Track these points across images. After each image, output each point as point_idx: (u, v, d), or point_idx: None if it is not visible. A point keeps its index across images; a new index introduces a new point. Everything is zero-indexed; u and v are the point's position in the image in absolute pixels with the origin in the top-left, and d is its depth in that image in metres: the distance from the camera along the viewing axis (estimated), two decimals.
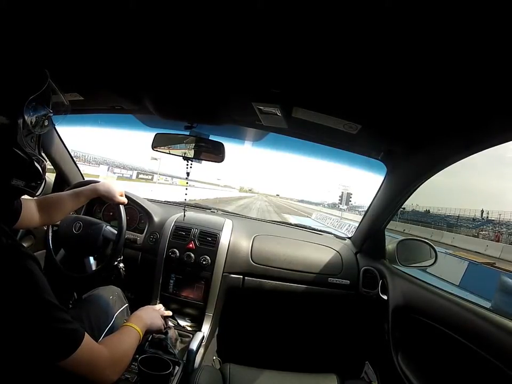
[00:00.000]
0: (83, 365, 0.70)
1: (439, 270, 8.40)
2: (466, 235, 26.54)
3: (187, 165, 1.47)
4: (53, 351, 0.66)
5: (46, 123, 0.74)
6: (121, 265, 1.51)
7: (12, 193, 0.73)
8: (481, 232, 27.89)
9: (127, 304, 1.32)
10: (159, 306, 1.35)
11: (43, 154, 0.77)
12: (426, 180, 1.29)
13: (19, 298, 0.62)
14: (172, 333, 1.29)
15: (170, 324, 1.33)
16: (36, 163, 0.70)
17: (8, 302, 0.61)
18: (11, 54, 0.68)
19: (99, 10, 0.75)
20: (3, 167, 0.65)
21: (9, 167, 0.66)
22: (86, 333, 0.72)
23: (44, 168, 0.74)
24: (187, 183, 1.57)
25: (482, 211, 33.51)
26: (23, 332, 0.63)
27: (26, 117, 0.67)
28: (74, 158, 1.89)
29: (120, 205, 1.46)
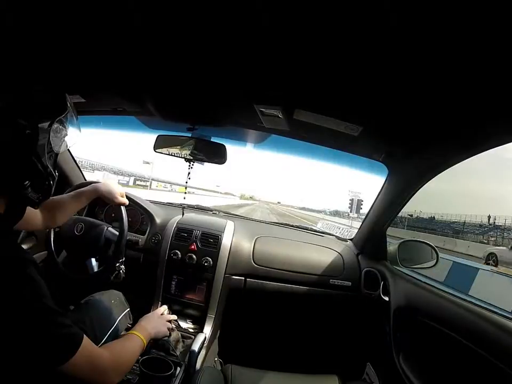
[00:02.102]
0: (83, 368, 0.71)
1: (488, 294, 6.15)
2: (480, 242, 23.87)
3: (189, 166, 1.48)
4: (51, 356, 0.66)
5: (65, 144, 0.80)
6: (122, 267, 1.51)
7: (24, 203, 0.79)
8: (491, 239, 26.22)
9: (128, 309, 1.32)
10: (164, 309, 1.35)
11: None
12: (428, 181, 1.29)
13: (17, 304, 0.63)
14: (175, 334, 1.29)
15: (172, 325, 1.33)
16: (51, 180, 0.75)
17: (7, 307, 0.61)
18: (37, 76, 0.73)
19: (101, 12, 0.76)
20: (25, 179, 0.69)
21: (30, 180, 0.70)
22: (85, 336, 0.73)
23: (54, 185, 0.78)
24: (186, 182, 1.57)
25: (489, 217, 31.71)
26: (21, 337, 0.63)
27: (50, 137, 0.72)
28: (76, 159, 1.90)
29: (122, 206, 1.46)
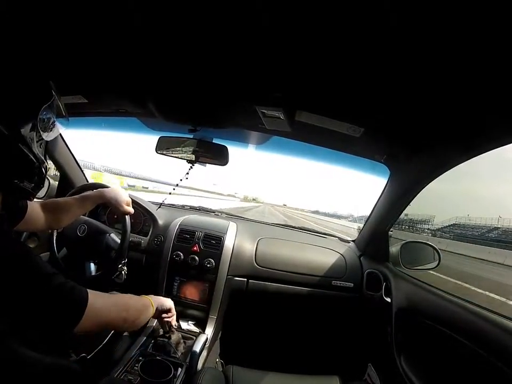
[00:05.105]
0: (99, 319, 0.76)
1: None
2: None
3: (190, 167, 1.48)
4: (66, 316, 0.70)
5: (54, 131, 0.79)
6: (125, 268, 1.51)
7: (19, 194, 0.76)
8: None
9: None
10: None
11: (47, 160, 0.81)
12: (430, 181, 1.29)
13: (20, 277, 0.64)
14: (175, 336, 1.30)
15: (174, 326, 1.33)
16: (42, 168, 0.74)
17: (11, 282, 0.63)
18: (22, 63, 0.71)
19: (102, 13, 0.76)
20: (17, 171, 0.69)
21: (22, 171, 0.70)
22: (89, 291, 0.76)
23: (46, 173, 0.78)
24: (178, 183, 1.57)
25: None
26: (33, 305, 0.65)
27: (39, 125, 0.71)
28: (78, 161, 1.91)
29: (126, 215, 1.45)
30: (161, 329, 1.30)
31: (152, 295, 1.09)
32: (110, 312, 0.80)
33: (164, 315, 1.15)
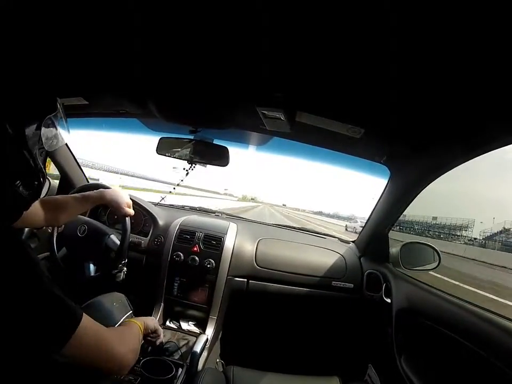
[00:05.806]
0: (89, 344, 0.66)
1: None
2: None
3: (189, 168, 1.48)
4: (51, 337, 0.62)
5: (55, 142, 0.79)
6: (124, 269, 1.51)
7: (15, 201, 0.74)
8: None
9: (131, 311, 1.31)
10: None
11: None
12: (430, 182, 1.29)
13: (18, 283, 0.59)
14: (176, 337, 1.30)
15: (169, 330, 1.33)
16: (40, 177, 0.74)
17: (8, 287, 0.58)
18: (29, 67, 0.73)
19: (103, 14, 0.76)
20: (16, 175, 0.68)
21: (21, 177, 0.69)
22: (85, 315, 0.68)
23: (44, 182, 0.78)
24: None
25: None
26: (24, 319, 0.59)
27: (41, 133, 0.72)
28: (78, 161, 1.91)
29: (126, 217, 1.44)
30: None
31: (135, 318, 0.99)
32: (105, 328, 0.72)
33: (149, 337, 1.06)
